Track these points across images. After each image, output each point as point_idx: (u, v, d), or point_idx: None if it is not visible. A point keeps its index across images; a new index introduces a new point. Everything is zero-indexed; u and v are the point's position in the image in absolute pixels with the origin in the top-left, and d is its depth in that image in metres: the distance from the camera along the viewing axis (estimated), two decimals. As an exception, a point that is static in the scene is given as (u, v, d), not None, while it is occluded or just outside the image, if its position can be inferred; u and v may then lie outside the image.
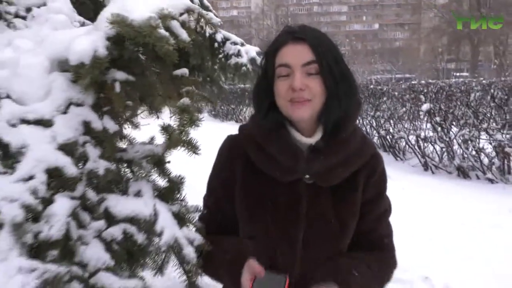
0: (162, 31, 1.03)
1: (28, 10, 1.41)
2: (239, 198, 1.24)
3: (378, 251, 1.26)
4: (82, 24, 1.53)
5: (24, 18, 1.39)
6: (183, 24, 1.21)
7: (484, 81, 7.86)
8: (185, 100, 1.14)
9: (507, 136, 6.50)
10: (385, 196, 1.29)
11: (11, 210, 0.91)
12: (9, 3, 1.36)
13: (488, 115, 7.22)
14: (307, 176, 1.18)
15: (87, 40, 1.08)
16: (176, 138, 1.17)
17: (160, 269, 1.19)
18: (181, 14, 1.22)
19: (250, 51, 3.06)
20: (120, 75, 1.17)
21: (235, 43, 3.06)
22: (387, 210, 1.30)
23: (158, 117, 1.50)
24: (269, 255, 1.17)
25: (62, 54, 1.18)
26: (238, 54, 3.01)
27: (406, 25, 57.10)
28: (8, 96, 1.12)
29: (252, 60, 3.01)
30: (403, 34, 54.94)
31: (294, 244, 1.18)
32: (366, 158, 1.22)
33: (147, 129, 1.59)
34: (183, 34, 1.18)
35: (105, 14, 1.14)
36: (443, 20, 35.77)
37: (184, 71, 1.26)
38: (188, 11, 1.23)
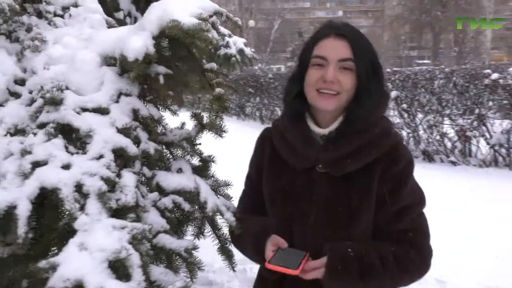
0: (211, 34, 1.26)
1: (64, 9, 1.58)
2: (264, 182, 1.39)
3: (403, 245, 1.24)
4: (107, 22, 1.72)
5: (61, 16, 1.57)
6: (213, 25, 1.44)
7: (446, 69, 8.41)
8: (220, 90, 1.38)
9: (468, 121, 7.05)
10: (409, 190, 1.26)
11: (93, 182, 1.13)
12: (48, 2, 1.54)
13: (451, 101, 7.77)
14: (320, 165, 1.27)
15: (140, 39, 1.29)
16: (211, 122, 1.41)
17: (200, 233, 1.43)
18: (211, 16, 1.45)
19: (238, 42, 3.29)
20: (161, 69, 1.40)
21: (223, 34, 3.27)
22: (413, 204, 1.27)
23: (179, 106, 1.73)
24: (285, 235, 1.28)
25: (110, 50, 1.39)
26: (227, 45, 3.24)
27: (369, 12, 58.54)
28: (67, 88, 1.32)
29: (240, 51, 3.24)
30: (367, 21, 56.31)
31: (305, 227, 1.28)
32: (384, 150, 1.24)
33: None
34: (215, 34, 1.41)
35: (150, 16, 1.36)
36: (406, 8, 36.96)
37: (213, 65, 1.50)
38: (216, 13, 1.46)
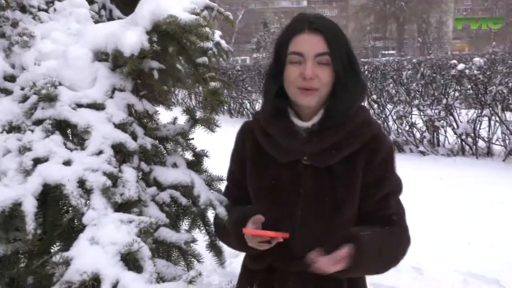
0: (206, 29, 1.31)
1: (48, 3, 1.59)
2: (248, 176, 1.43)
3: (390, 227, 1.32)
4: (92, 18, 1.73)
5: (45, 11, 1.58)
6: (205, 20, 1.49)
7: (414, 60, 8.73)
8: (215, 84, 1.43)
9: (436, 111, 7.36)
10: (391, 176, 1.34)
11: (96, 177, 1.16)
12: (31, -4, 1.54)
13: (418, 92, 8.09)
14: (305, 157, 1.32)
15: (135, 35, 1.33)
16: (207, 117, 1.46)
17: (197, 227, 1.49)
18: (202, 11, 1.50)
19: (214, 35, 3.32)
20: (155, 63, 1.44)
21: (212, 29, 3.27)
22: (396, 189, 1.36)
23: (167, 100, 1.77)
24: (272, 228, 1.30)
25: (102, 46, 1.42)
26: (202, 38, 3.25)
27: (334, 3, 59.46)
28: (60, 84, 1.34)
29: (216, 44, 3.27)
30: (332, 12, 57.15)
31: (293, 219, 1.32)
32: (366, 139, 1.30)
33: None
34: (206, 29, 1.46)
35: (142, 12, 1.40)
36: (370, -2, 37.89)
37: (205, 59, 1.55)
38: (207, 8, 1.51)
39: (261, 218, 1.30)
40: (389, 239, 1.30)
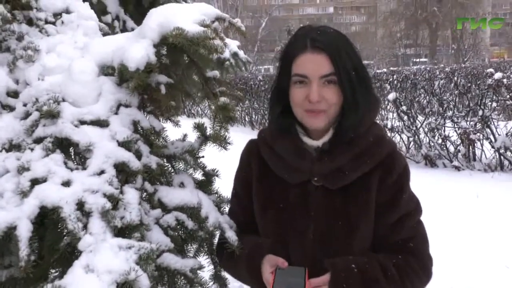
0: (216, 41, 1.29)
1: (56, 15, 1.60)
2: (255, 197, 1.40)
3: (403, 255, 1.28)
4: (101, 29, 1.74)
5: (53, 24, 1.59)
6: (215, 31, 1.47)
7: (447, 69, 8.56)
8: (225, 99, 1.41)
9: (471, 123, 7.16)
10: (407, 197, 1.31)
11: (96, 199, 1.15)
12: (38, 9, 1.55)
13: (452, 103, 7.90)
14: (315, 178, 1.29)
15: (141, 48, 1.32)
16: (215, 134, 1.43)
17: (201, 251, 1.46)
18: (213, 22, 1.49)
19: (231, 45, 3.31)
20: (162, 78, 1.42)
21: (223, 40, 3.27)
22: (412, 212, 1.31)
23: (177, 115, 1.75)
24: (282, 253, 1.28)
25: (108, 60, 1.41)
26: (220, 49, 3.25)
27: (362, 9, 59.27)
28: (63, 100, 1.34)
29: (234, 54, 3.27)
30: (359, 18, 57.00)
31: (304, 243, 1.29)
32: (380, 158, 1.27)
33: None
34: (218, 41, 1.45)
35: (150, 23, 1.39)
36: (401, 3, 37.52)
37: (215, 73, 1.53)
38: (219, 19, 1.49)
39: (280, 259, 1.25)
40: (396, 273, 1.25)
